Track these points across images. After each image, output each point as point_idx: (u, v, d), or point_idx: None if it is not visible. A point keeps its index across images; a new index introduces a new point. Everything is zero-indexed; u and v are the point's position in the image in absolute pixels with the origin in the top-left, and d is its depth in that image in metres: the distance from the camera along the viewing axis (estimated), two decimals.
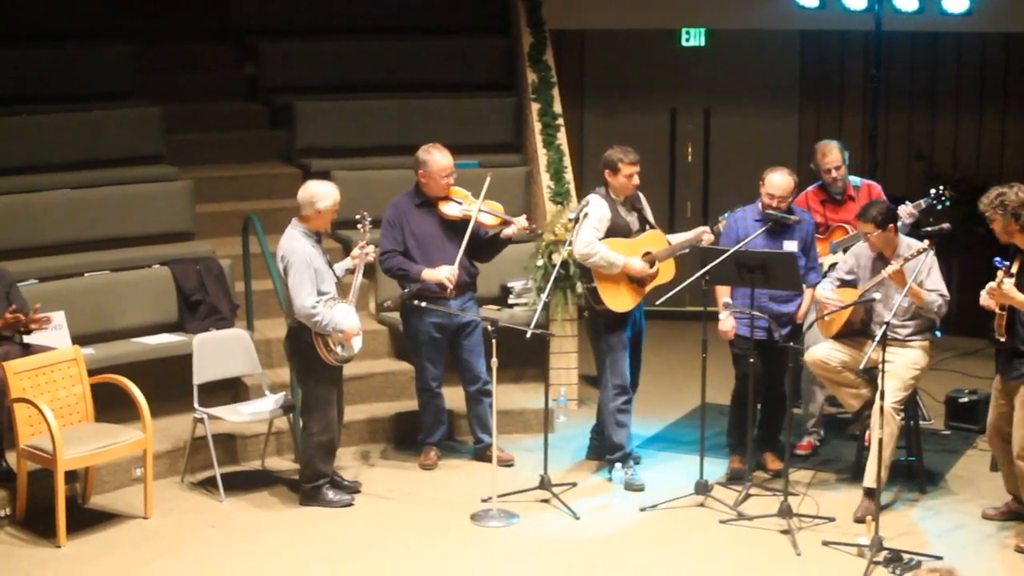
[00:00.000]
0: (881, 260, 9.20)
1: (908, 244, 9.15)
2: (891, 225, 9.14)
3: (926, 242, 9.12)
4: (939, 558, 8.39)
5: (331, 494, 9.33)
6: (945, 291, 9.10)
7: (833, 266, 9.75)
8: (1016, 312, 8.37)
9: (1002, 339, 8.50)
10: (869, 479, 9.01)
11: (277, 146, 12.69)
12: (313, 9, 13.39)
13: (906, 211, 9.99)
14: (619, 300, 9.53)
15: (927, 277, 9.07)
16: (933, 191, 10.17)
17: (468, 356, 9.90)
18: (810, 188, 10.29)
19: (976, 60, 13.44)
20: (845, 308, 9.18)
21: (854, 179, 10.31)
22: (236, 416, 9.61)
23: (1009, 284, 8.18)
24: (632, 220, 9.66)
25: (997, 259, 8.27)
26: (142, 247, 10.80)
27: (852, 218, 9.94)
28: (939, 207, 10.15)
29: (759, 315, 9.23)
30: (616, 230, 9.54)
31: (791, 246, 9.41)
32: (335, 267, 9.37)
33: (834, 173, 10.13)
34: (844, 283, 9.39)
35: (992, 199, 8.41)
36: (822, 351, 9.34)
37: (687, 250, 9.71)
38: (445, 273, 9.64)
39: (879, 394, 8.57)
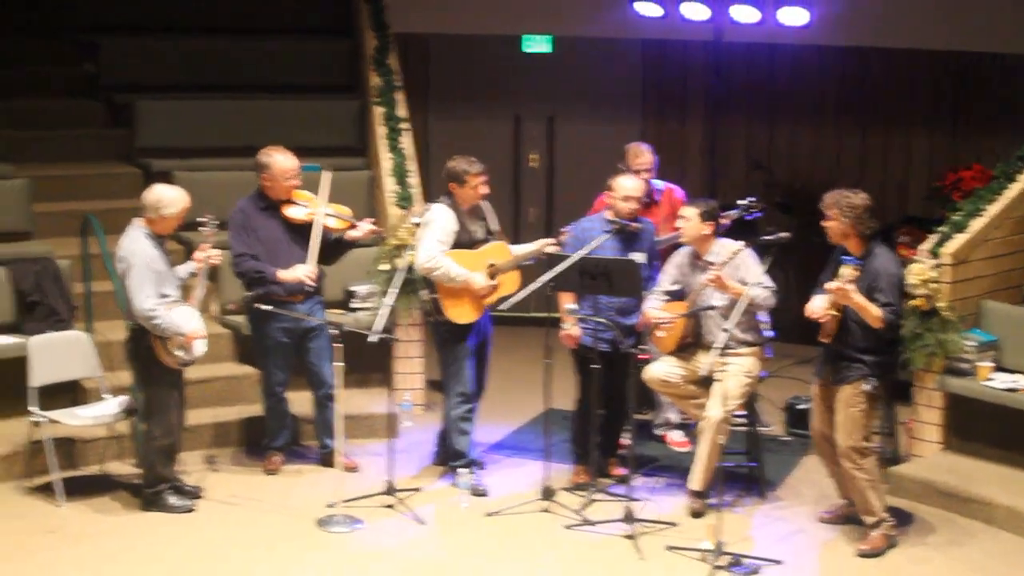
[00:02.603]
0: (699, 265, 9.32)
1: (722, 245, 9.28)
2: (711, 223, 9.27)
3: (741, 243, 9.26)
4: (779, 562, 8.54)
5: (172, 499, 9.22)
6: (769, 281, 9.20)
7: None
8: (847, 314, 8.53)
9: (826, 341, 8.65)
10: (694, 482, 9.22)
11: (117, 145, 12.48)
12: (155, 6, 13.24)
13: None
14: (461, 312, 9.54)
15: (746, 273, 9.20)
16: (741, 202, 10.22)
17: (315, 360, 9.84)
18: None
19: (813, 72, 13.68)
20: (678, 319, 9.28)
21: (656, 183, 10.42)
22: (75, 419, 9.46)
23: (852, 285, 8.35)
24: (477, 229, 9.67)
25: (846, 257, 8.44)
26: None
27: (658, 220, 10.06)
28: (748, 217, 10.22)
29: (603, 322, 9.29)
30: (461, 241, 9.55)
31: (640, 257, 9.47)
32: (177, 269, 9.27)
33: (644, 175, 10.22)
34: (670, 296, 9.49)
35: (837, 199, 8.57)
36: (660, 369, 9.43)
37: (531, 261, 9.74)
38: (303, 272, 9.57)
39: (715, 402, 8.71)
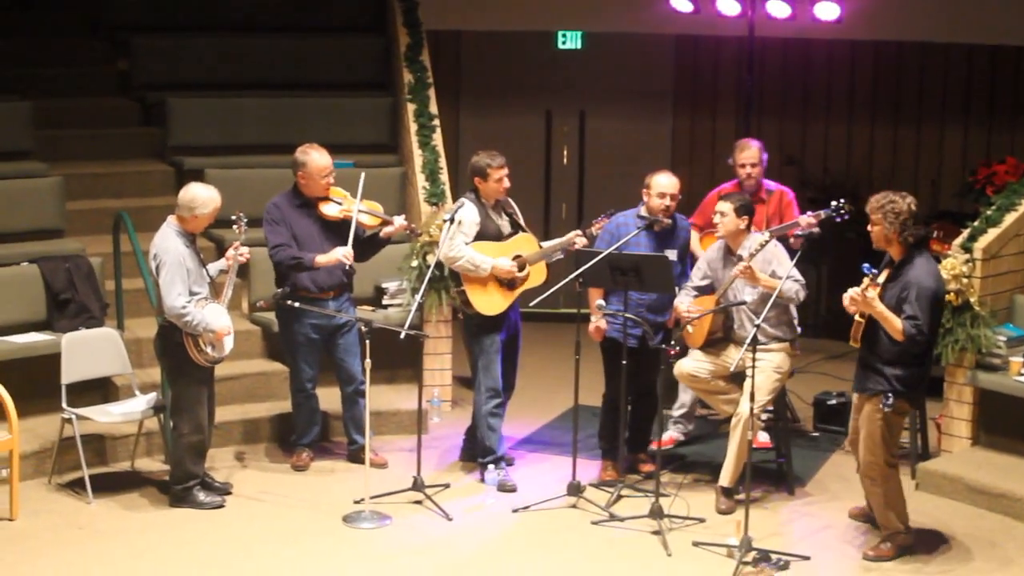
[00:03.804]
0: (730, 259, 9.29)
1: (752, 239, 9.26)
2: (746, 217, 9.25)
3: (767, 233, 9.23)
4: (806, 558, 8.51)
5: (201, 495, 9.25)
6: (798, 275, 9.16)
7: None
8: (875, 322, 8.39)
9: (855, 346, 8.56)
10: (724, 479, 9.22)
11: (150, 143, 12.54)
12: (187, 5, 13.28)
13: (806, 221, 9.92)
14: (488, 303, 9.55)
15: (778, 266, 9.18)
16: (834, 203, 9.81)
17: (345, 356, 9.87)
18: (726, 184, 10.35)
19: (846, 67, 13.65)
20: (706, 314, 9.26)
21: (769, 184, 10.35)
22: (105, 416, 9.50)
23: (873, 293, 8.23)
24: (503, 224, 9.68)
25: (865, 265, 8.27)
26: (10, 244, 10.61)
27: (760, 218, 9.97)
28: (838, 219, 9.89)
29: (633, 318, 9.28)
30: (486, 234, 9.56)
31: (672, 255, 9.44)
32: (208, 267, 9.31)
33: (748, 170, 10.16)
34: (700, 291, 9.46)
35: (882, 202, 8.36)
36: (689, 364, 9.42)
37: (560, 255, 9.73)
38: (340, 253, 9.59)
39: (746, 398, 8.67)
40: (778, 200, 10.25)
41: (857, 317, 8.44)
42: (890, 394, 8.36)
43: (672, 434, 10.41)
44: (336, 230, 9.75)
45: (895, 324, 8.23)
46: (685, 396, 10.32)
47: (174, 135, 12.33)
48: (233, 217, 9.37)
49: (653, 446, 10.18)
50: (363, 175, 9.79)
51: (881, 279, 8.35)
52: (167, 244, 9.01)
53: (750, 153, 10.21)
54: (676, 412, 10.44)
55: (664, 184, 9.46)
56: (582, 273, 9.20)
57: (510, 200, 9.78)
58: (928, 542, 8.83)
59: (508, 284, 9.59)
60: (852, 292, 8.29)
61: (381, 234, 9.90)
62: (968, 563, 8.64)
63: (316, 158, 9.71)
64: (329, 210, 9.77)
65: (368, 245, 9.96)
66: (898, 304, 8.29)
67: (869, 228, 8.48)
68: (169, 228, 9.09)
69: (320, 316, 9.67)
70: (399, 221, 9.86)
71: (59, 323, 10.21)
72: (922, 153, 13.44)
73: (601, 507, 9.23)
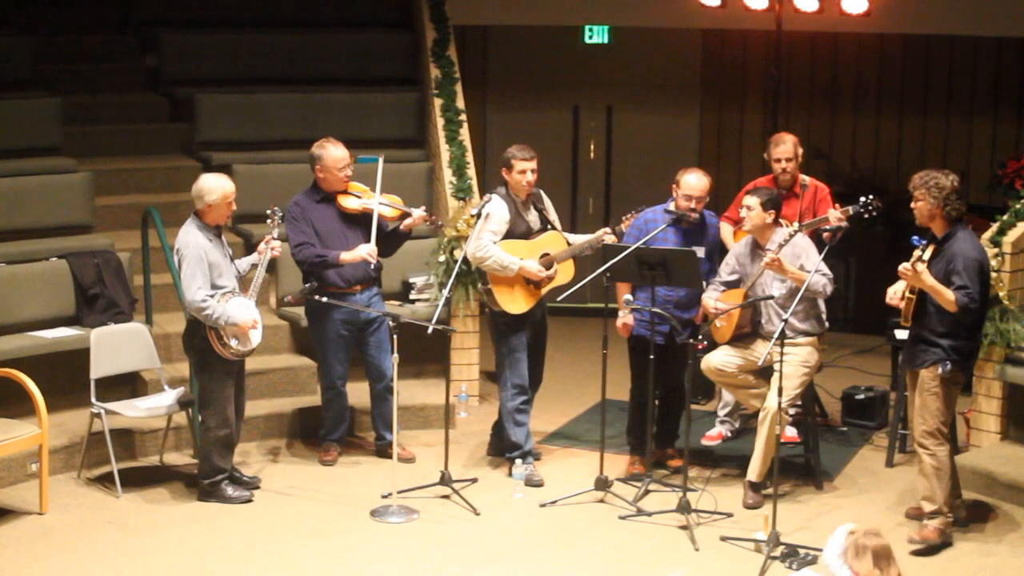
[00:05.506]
0: (758, 254, 9.27)
1: (780, 232, 9.24)
2: (773, 212, 9.23)
3: (795, 224, 9.21)
4: None
5: (230, 490, 9.27)
6: (827, 269, 9.15)
7: None
8: (927, 298, 8.44)
9: (907, 325, 8.58)
10: (752, 473, 9.21)
11: (178, 139, 12.57)
12: (215, 2, 13.29)
13: (835, 216, 9.90)
14: (514, 302, 9.54)
15: (806, 260, 9.16)
16: (862, 199, 9.82)
17: (375, 352, 9.87)
18: (761, 178, 10.33)
19: (874, 60, 13.61)
20: (734, 309, 9.24)
21: (805, 179, 10.32)
22: (134, 411, 9.53)
23: (923, 267, 8.28)
24: (533, 220, 9.66)
25: (915, 237, 8.34)
26: (39, 239, 10.63)
27: (793, 213, 9.96)
28: (866, 216, 9.89)
29: (661, 312, 9.27)
30: (516, 231, 9.55)
31: (700, 252, 9.41)
32: (240, 261, 9.35)
33: (784, 164, 10.12)
34: (728, 286, 9.45)
35: (925, 179, 8.46)
36: (717, 358, 9.40)
37: (588, 252, 9.71)
38: (364, 251, 9.60)
39: (774, 392, 8.65)
40: (812, 195, 10.21)
41: (907, 294, 8.47)
42: (948, 362, 8.42)
43: (720, 430, 10.42)
44: (358, 223, 9.76)
45: (947, 295, 8.30)
46: (728, 395, 10.30)
47: (202, 131, 12.36)
48: (267, 211, 9.42)
49: (704, 440, 10.26)
50: (381, 160, 9.78)
51: (927, 255, 8.38)
52: (188, 238, 9.03)
53: (785, 148, 10.18)
54: (722, 412, 10.45)
55: (692, 186, 9.43)
56: (609, 268, 9.19)
57: (542, 195, 9.75)
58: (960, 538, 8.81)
59: (535, 282, 9.58)
60: (903, 267, 8.33)
61: (401, 226, 9.89)
62: (1006, 559, 8.59)
63: (332, 151, 9.72)
64: (349, 203, 9.78)
65: (391, 240, 9.94)
66: (945, 277, 8.36)
67: (913, 205, 8.55)
68: (191, 223, 9.11)
69: (350, 312, 9.68)
70: (418, 212, 9.85)
71: (88, 318, 10.24)
72: (951, 147, 13.40)
73: (629, 502, 9.22)
